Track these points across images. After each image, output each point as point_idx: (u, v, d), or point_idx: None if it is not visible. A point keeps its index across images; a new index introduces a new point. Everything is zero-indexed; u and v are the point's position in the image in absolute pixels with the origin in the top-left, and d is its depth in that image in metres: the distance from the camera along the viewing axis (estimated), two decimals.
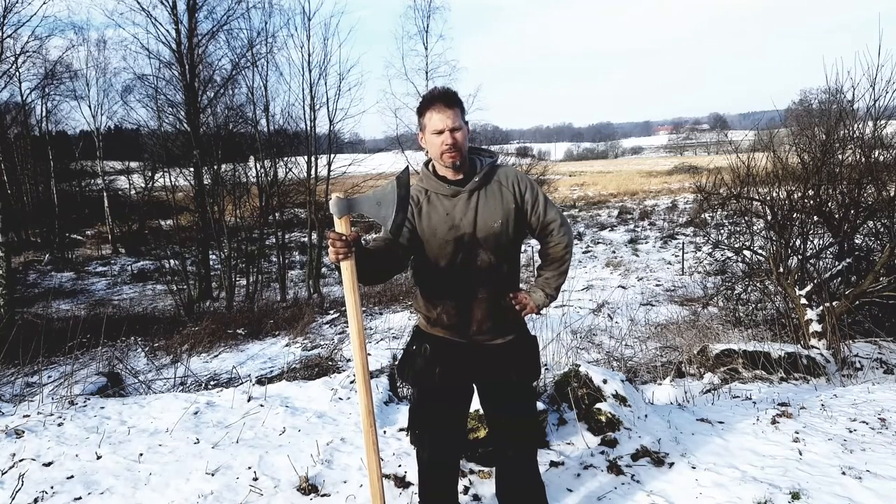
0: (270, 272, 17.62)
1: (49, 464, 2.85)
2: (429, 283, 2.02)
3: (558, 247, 2.05)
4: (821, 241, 6.36)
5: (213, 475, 2.73)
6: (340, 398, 3.62)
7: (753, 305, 7.10)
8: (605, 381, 3.33)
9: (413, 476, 2.60)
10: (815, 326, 5.28)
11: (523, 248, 2.17)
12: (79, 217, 26.42)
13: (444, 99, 1.87)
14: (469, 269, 1.95)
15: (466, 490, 2.60)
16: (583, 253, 18.14)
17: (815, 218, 6.15)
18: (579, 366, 3.44)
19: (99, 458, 2.91)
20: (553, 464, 2.82)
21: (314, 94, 15.98)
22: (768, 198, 6.13)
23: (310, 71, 15.86)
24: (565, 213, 7.63)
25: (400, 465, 2.81)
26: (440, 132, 1.87)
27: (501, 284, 1.99)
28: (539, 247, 2.13)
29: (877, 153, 5.80)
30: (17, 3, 14.37)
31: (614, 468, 2.77)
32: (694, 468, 2.76)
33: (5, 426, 3.20)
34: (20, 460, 2.87)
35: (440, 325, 2.01)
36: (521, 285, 2.11)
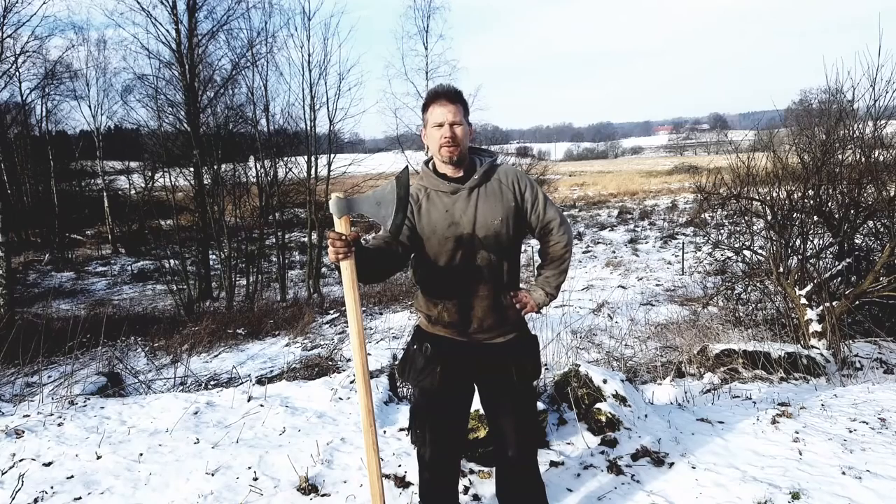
0: (270, 272, 17.62)
1: (49, 464, 2.85)
2: (429, 281, 2.02)
3: (558, 246, 2.05)
4: (821, 241, 6.36)
5: (213, 475, 2.73)
6: (340, 398, 3.62)
7: (753, 305, 7.09)
8: (605, 381, 3.33)
9: (413, 476, 2.60)
10: (815, 326, 5.28)
11: (523, 247, 2.17)
12: (79, 217, 26.41)
13: (447, 94, 1.90)
14: (469, 267, 1.95)
15: (466, 490, 2.60)
16: (583, 253, 18.13)
17: (815, 218, 6.15)
18: (579, 366, 3.44)
19: (99, 458, 2.91)
20: (553, 464, 2.82)
21: (314, 94, 15.99)
22: (768, 198, 6.12)
23: (310, 71, 15.87)
24: (565, 213, 7.62)
25: (400, 465, 2.81)
26: (440, 125, 1.89)
27: (502, 282, 1.99)
28: (539, 246, 2.13)
29: (877, 153, 5.80)
30: (17, 2, 14.38)
31: (614, 468, 2.77)
32: (694, 468, 2.76)
33: (5, 426, 3.20)
34: (20, 460, 2.87)
35: (441, 323, 2.01)
36: (521, 285, 2.11)
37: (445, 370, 2.00)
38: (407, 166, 1.93)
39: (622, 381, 3.41)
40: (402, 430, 3.21)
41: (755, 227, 6.67)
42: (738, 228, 7.25)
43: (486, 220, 1.94)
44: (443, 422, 2.07)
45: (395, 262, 1.95)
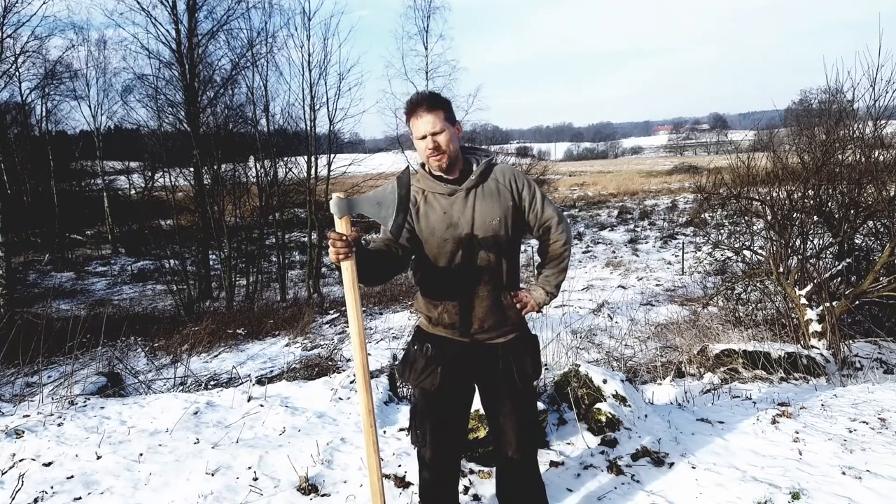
0: (270, 272, 17.62)
1: (49, 464, 2.85)
2: (429, 282, 2.02)
3: (557, 244, 2.05)
4: (821, 241, 6.36)
5: (213, 475, 2.73)
6: (340, 398, 3.62)
7: (753, 305, 7.09)
8: (605, 381, 3.33)
9: (413, 476, 2.60)
10: (815, 326, 5.28)
11: (523, 247, 2.16)
12: (79, 217, 26.38)
13: (424, 103, 1.87)
14: (469, 268, 1.95)
15: (466, 490, 2.60)
16: (583, 253, 18.14)
17: (815, 218, 6.15)
18: (579, 366, 3.44)
19: (99, 458, 2.91)
20: (553, 464, 2.82)
21: (314, 94, 15.99)
22: (768, 198, 6.13)
23: (310, 71, 15.88)
24: (565, 213, 7.60)
25: (400, 465, 2.81)
26: (423, 137, 1.89)
27: (501, 283, 1.99)
28: (538, 245, 2.13)
29: (877, 153, 5.81)
30: (17, 2, 14.38)
31: (614, 468, 2.77)
32: (694, 468, 2.76)
33: (5, 426, 3.20)
34: (20, 460, 2.87)
35: (441, 324, 2.01)
36: (521, 284, 2.11)
37: (446, 371, 2.00)
38: (408, 166, 1.93)
39: (622, 381, 3.41)
40: (402, 430, 3.21)
41: (755, 227, 6.67)
42: (738, 228, 7.25)
43: (484, 220, 1.94)
44: (443, 422, 2.07)
45: (395, 264, 1.94)
